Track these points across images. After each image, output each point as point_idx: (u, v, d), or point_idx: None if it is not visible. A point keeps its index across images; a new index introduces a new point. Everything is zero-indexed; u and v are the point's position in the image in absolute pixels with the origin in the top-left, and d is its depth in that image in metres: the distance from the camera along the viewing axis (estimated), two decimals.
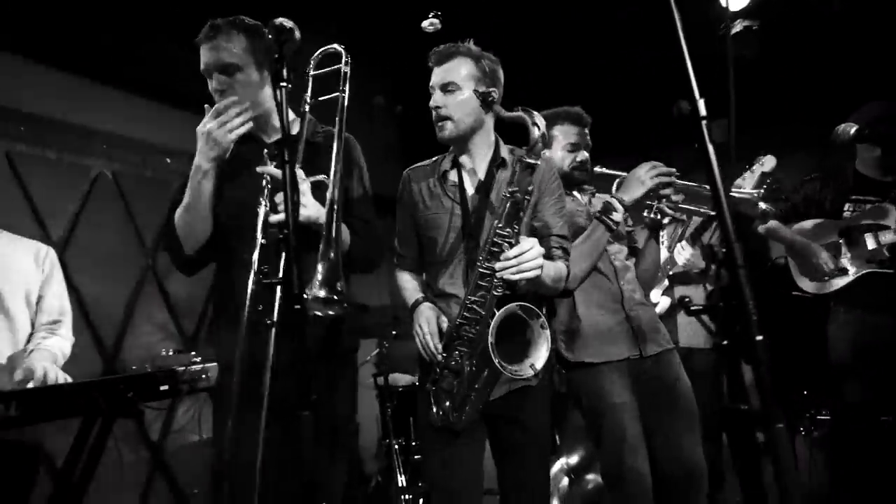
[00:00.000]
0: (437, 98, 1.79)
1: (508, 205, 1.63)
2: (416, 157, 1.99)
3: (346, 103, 1.53)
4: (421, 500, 3.14)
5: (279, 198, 1.43)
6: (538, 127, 1.62)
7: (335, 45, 1.59)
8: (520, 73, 2.05)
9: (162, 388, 1.85)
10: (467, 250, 1.74)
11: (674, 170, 2.05)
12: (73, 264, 2.61)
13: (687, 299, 2.81)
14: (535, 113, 1.64)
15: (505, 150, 1.85)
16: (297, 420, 1.14)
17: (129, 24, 2.88)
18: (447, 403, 1.69)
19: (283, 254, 1.20)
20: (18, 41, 2.79)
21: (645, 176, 2.04)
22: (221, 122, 1.52)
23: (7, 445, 2.04)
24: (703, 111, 0.99)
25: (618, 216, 2.04)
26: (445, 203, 1.81)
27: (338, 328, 1.64)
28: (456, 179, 1.83)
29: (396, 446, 3.41)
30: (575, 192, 2.24)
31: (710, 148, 0.96)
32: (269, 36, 1.26)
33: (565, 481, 2.88)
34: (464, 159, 1.85)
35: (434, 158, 1.94)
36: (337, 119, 1.54)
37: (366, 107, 4.77)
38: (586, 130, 2.24)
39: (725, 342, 2.45)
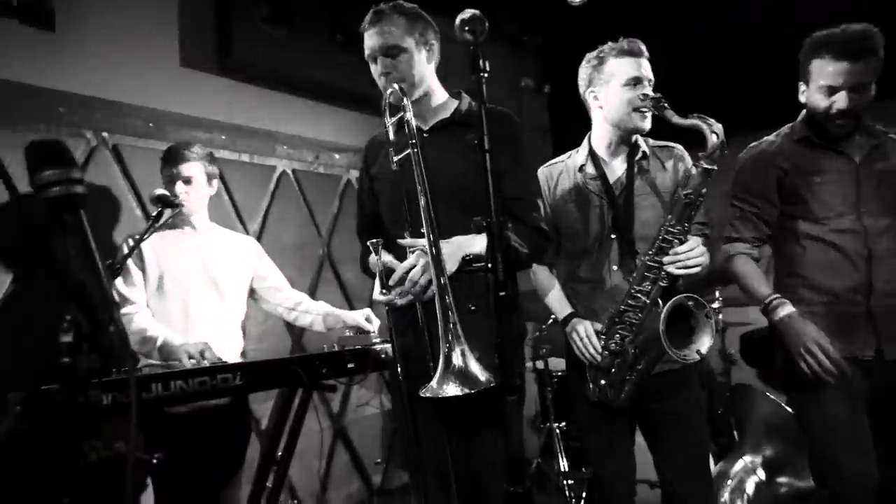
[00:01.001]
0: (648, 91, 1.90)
1: (682, 205, 1.76)
2: (565, 139, 2.07)
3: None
4: (584, 487, 3.17)
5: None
6: (716, 135, 1.70)
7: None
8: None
9: (349, 365, 2.07)
10: (619, 243, 1.89)
11: None
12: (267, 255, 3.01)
13: None
14: (712, 120, 1.70)
15: (644, 144, 1.97)
16: (503, 405, 1.18)
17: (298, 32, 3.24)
18: (604, 382, 1.85)
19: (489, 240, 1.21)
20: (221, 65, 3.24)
21: None
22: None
23: (231, 409, 2.42)
24: None
25: None
26: (588, 195, 1.95)
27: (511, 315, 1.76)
28: (594, 171, 1.97)
29: (558, 430, 3.47)
30: None
31: None
32: (458, 25, 1.28)
33: (752, 482, 2.69)
34: (602, 152, 1.98)
35: (567, 154, 2.07)
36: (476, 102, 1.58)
37: (514, 89, 4.82)
38: (861, 66, 1.82)
39: None
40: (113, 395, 1.54)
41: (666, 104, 1.78)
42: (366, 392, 3.66)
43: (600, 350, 1.84)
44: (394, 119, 1.67)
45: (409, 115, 1.63)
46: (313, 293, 3.63)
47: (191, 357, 2.10)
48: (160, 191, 2.21)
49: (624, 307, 1.83)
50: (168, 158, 2.41)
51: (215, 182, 2.52)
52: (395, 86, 1.67)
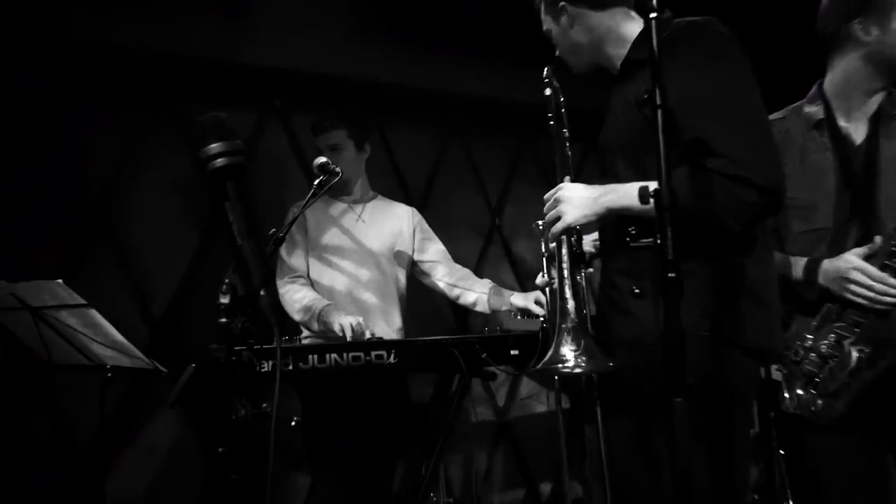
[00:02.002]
0: None
1: None
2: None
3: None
4: None
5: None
6: None
7: None
8: None
9: (513, 352, 2.00)
10: (859, 224, 1.67)
11: None
12: (429, 225, 2.93)
13: None
14: None
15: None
16: (668, 406, 1.10)
17: None
18: (810, 389, 1.66)
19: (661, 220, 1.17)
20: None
21: None
22: None
23: (389, 388, 2.44)
24: None
25: None
26: (823, 162, 1.71)
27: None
28: (831, 130, 1.72)
29: (782, 461, 2.92)
30: None
31: None
32: None
33: None
34: (843, 106, 1.72)
35: (791, 107, 1.80)
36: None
37: None
38: None
39: None
40: (273, 363, 1.77)
41: None
42: (535, 385, 3.53)
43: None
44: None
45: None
46: (480, 270, 3.57)
47: (344, 331, 2.16)
48: (321, 159, 2.28)
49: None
50: (314, 129, 2.52)
51: (367, 145, 2.57)
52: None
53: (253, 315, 1.21)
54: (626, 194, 1.35)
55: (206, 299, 1.25)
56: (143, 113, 2.82)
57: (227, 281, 1.20)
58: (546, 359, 1.38)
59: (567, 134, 1.61)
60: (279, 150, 3.13)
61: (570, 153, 1.59)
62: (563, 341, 1.37)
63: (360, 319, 2.19)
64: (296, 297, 2.35)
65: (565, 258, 1.46)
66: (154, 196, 2.81)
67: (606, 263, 1.51)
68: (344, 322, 2.17)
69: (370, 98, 3.22)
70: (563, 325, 1.39)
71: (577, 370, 1.35)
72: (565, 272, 1.44)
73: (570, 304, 1.40)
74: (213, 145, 1.20)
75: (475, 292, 2.51)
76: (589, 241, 1.62)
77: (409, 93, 3.37)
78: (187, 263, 2.86)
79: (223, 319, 1.19)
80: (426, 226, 2.71)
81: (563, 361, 1.35)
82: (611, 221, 1.47)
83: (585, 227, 1.53)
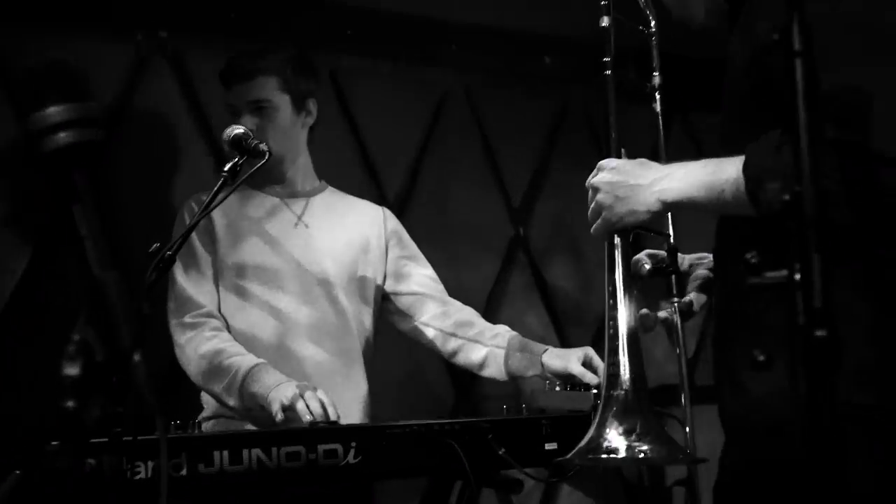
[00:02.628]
0: None
1: None
2: None
3: None
4: None
5: None
6: None
7: None
8: None
9: (548, 446, 2.06)
10: None
11: None
12: (413, 236, 2.94)
13: None
14: None
15: None
16: None
17: None
18: None
19: None
20: None
21: None
22: None
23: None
24: None
25: None
26: None
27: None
28: None
29: None
30: None
31: None
32: None
33: None
34: None
35: None
36: None
37: None
38: None
39: None
40: (155, 465, 1.73)
41: None
42: (581, 499, 3.49)
43: None
44: None
45: None
46: (494, 308, 3.60)
47: (286, 409, 2.16)
48: (238, 129, 2.32)
49: None
50: (226, 76, 2.56)
51: (312, 103, 2.64)
52: None
53: (119, 393, 1.19)
54: (705, 181, 1.40)
55: (48, 352, 1.25)
56: None
57: (75, 338, 1.17)
58: (582, 444, 1.42)
59: (636, 86, 1.69)
60: (166, 109, 3.12)
61: (635, 121, 1.64)
62: (610, 415, 1.41)
63: (318, 392, 2.19)
64: (202, 351, 2.36)
65: (619, 277, 1.51)
66: None
67: (717, 303, 1.58)
68: (287, 396, 2.17)
69: (320, 24, 3.27)
70: (613, 392, 1.43)
71: (632, 461, 1.42)
72: (620, 304, 1.50)
73: (623, 357, 1.44)
74: (52, 110, 1.17)
75: (484, 346, 2.55)
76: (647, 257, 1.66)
77: (382, 18, 3.43)
78: (8, 295, 2.81)
79: (68, 403, 1.16)
80: (406, 237, 2.75)
81: (609, 447, 1.38)
82: (722, 235, 1.53)
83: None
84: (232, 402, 2.31)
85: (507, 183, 3.77)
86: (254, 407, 2.26)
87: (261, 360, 2.34)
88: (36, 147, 1.20)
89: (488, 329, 2.59)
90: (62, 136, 1.16)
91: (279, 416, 2.16)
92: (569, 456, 1.44)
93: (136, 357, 1.20)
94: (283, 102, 2.53)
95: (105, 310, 1.21)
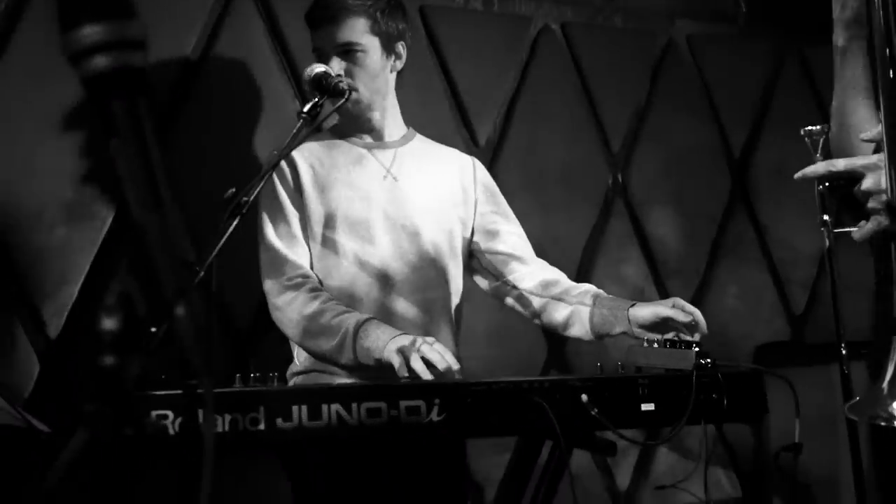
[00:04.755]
0: None
1: None
2: None
3: None
4: None
5: None
6: None
7: None
8: None
9: (645, 407, 2.03)
10: None
11: None
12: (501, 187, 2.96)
13: None
14: None
15: None
16: None
17: None
18: None
19: None
20: None
21: None
22: None
23: (428, 462, 2.44)
24: None
25: None
26: None
27: None
28: None
29: None
30: None
31: None
32: None
33: None
34: None
35: None
36: None
37: None
38: None
39: None
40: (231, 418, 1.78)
41: None
42: (680, 461, 3.46)
43: None
44: None
45: None
46: (588, 257, 3.59)
47: (408, 366, 2.16)
48: (319, 67, 2.34)
49: None
50: (312, 17, 2.55)
51: (402, 49, 2.63)
52: None
53: (165, 346, 1.14)
54: None
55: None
56: None
57: (115, 289, 1.11)
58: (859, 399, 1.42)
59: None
60: (249, 48, 3.13)
61: None
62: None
63: (437, 344, 2.21)
64: (307, 313, 2.39)
65: None
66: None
67: None
68: (406, 347, 2.19)
69: None
70: None
71: None
72: None
73: None
74: (88, 30, 1.08)
75: (568, 304, 2.56)
76: None
77: None
78: (95, 252, 2.84)
79: (108, 359, 1.11)
80: (496, 191, 2.75)
81: None
82: None
83: None
84: (344, 359, 2.32)
85: (605, 126, 3.74)
86: (370, 362, 2.26)
87: (368, 315, 2.36)
88: (78, 71, 1.12)
89: (573, 287, 2.60)
90: (99, 60, 1.07)
91: (403, 372, 2.17)
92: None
93: (179, 311, 1.08)
94: (372, 45, 2.52)
95: (147, 256, 1.10)
